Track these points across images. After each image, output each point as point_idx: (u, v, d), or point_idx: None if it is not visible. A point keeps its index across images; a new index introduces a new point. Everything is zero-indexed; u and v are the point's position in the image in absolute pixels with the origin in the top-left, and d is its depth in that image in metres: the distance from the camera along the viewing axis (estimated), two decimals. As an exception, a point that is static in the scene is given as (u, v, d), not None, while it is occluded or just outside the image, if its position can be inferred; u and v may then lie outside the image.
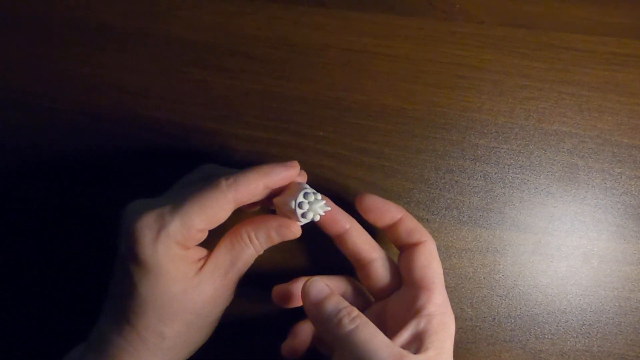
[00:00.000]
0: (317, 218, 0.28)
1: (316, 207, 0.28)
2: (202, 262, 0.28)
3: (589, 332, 0.34)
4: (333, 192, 0.34)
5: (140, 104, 0.36)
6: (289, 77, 0.36)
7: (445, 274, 0.34)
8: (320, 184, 0.34)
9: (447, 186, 0.35)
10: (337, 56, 0.36)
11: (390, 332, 0.27)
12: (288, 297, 0.30)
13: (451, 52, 0.36)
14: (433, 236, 0.34)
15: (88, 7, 0.37)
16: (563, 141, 0.35)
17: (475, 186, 0.35)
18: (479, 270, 0.34)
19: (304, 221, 0.28)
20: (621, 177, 0.35)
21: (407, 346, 0.26)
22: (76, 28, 0.37)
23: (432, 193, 0.35)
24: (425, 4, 0.36)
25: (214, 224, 0.27)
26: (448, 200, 0.35)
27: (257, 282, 0.33)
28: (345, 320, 0.25)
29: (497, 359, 0.34)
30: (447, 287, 0.34)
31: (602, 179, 0.35)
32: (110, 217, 0.35)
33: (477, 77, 0.36)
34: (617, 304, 0.34)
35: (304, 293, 0.27)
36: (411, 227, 0.30)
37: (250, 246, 0.29)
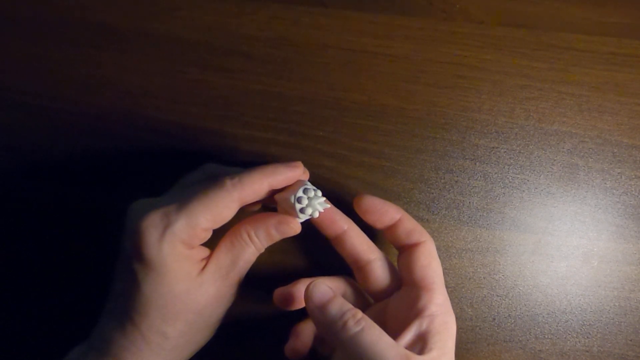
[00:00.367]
0: (316, 214, 0.28)
1: (315, 203, 0.28)
2: (204, 262, 0.28)
3: (589, 332, 0.34)
4: (333, 192, 0.34)
5: (140, 104, 0.36)
6: (289, 77, 0.36)
7: (445, 274, 0.34)
8: (320, 184, 0.34)
9: (447, 186, 0.35)
10: (337, 56, 0.36)
11: (392, 333, 0.27)
12: (290, 299, 0.30)
13: (451, 52, 0.36)
14: (433, 236, 0.34)
15: (88, 7, 0.37)
16: (563, 141, 0.35)
17: (475, 186, 0.35)
18: (479, 270, 0.34)
19: (302, 217, 0.28)
20: (621, 177, 0.35)
21: (410, 347, 0.26)
22: (76, 28, 0.37)
23: (432, 193, 0.35)
24: (425, 4, 0.36)
25: (218, 223, 0.27)
26: (448, 200, 0.35)
27: (257, 282, 0.33)
28: (351, 323, 0.25)
29: (497, 359, 0.34)
30: (447, 287, 0.34)
31: (602, 179, 0.35)
32: (110, 217, 0.35)
33: (477, 77, 0.36)
34: (617, 304, 0.34)
35: (307, 296, 0.27)
36: (410, 227, 0.30)
37: (251, 245, 0.29)
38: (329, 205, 0.29)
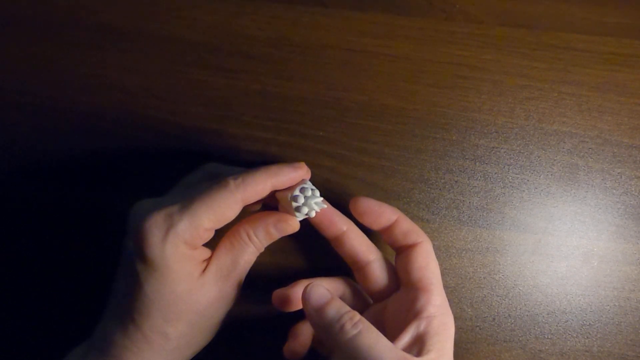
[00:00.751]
0: (313, 214, 0.28)
1: (312, 203, 0.28)
2: (206, 263, 0.28)
3: (589, 332, 0.34)
4: (333, 192, 0.34)
5: (140, 104, 0.36)
6: (289, 77, 0.36)
7: (445, 274, 0.34)
8: (320, 184, 0.34)
9: (447, 186, 0.35)
10: (337, 56, 0.36)
11: (390, 334, 0.27)
12: (288, 301, 0.30)
13: (451, 52, 0.36)
14: (433, 236, 0.34)
15: (88, 7, 0.37)
16: (563, 141, 0.35)
17: (475, 186, 0.35)
18: (479, 270, 0.34)
19: (299, 216, 0.28)
20: (621, 177, 0.35)
21: (408, 349, 0.26)
22: (76, 28, 0.37)
23: (432, 193, 0.35)
24: (425, 4, 0.36)
25: (221, 223, 0.27)
26: (448, 200, 0.35)
27: (257, 283, 0.33)
28: (348, 326, 0.25)
29: (497, 359, 0.34)
30: (447, 287, 0.34)
31: (602, 179, 0.35)
32: (110, 217, 0.35)
33: (477, 77, 0.36)
34: (617, 304, 0.34)
35: (305, 298, 0.27)
36: (407, 228, 0.30)
37: (251, 244, 0.29)
38: (325, 206, 0.29)
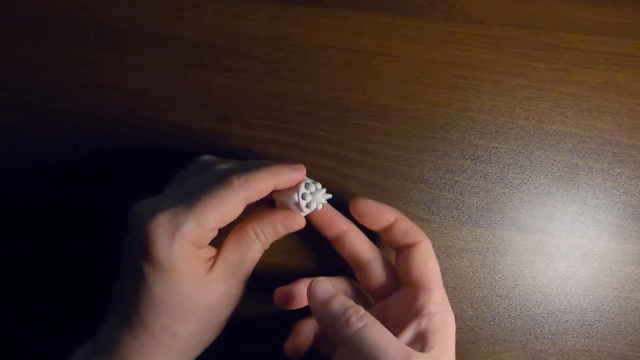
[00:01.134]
0: (320, 207, 0.29)
1: (318, 197, 0.29)
2: (212, 261, 0.28)
3: (589, 332, 0.34)
4: (333, 192, 0.34)
5: (140, 104, 0.36)
6: (289, 77, 0.36)
7: (445, 274, 0.34)
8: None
9: (447, 186, 0.35)
10: (337, 56, 0.36)
11: (392, 332, 0.27)
12: (290, 298, 0.30)
13: (451, 52, 0.36)
14: (433, 236, 0.34)
15: (88, 7, 0.37)
16: (563, 141, 0.35)
17: (475, 186, 0.35)
18: (479, 270, 0.34)
19: (307, 211, 0.29)
20: (621, 177, 0.35)
21: (411, 346, 0.26)
22: (76, 28, 0.37)
23: (432, 193, 0.35)
24: (425, 4, 0.36)
25: (226, 222, 0.27)
26: (448, 200, 0.35)
27: (258, 283, 0.33)
28: (353, 319, 0.25)
29: (497, 359, 0.34)
30: (447, 287, 0.34)
31: (602, 179, 0.35)
32: (110, 217, 0.35)
33: (477, 77, 0.36)
34: (617, 304, 0.34)
35: (310, 293, 0.27)
36: (406, 228, 0.30)
37: (257, 242, 0.29)
38: (330, 195, 0.30)
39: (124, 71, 0.36)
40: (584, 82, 0.36)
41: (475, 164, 0.35)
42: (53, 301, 0.35)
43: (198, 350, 0.29)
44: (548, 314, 0.34)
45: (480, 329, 0.34)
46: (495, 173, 0.35)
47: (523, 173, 0.35)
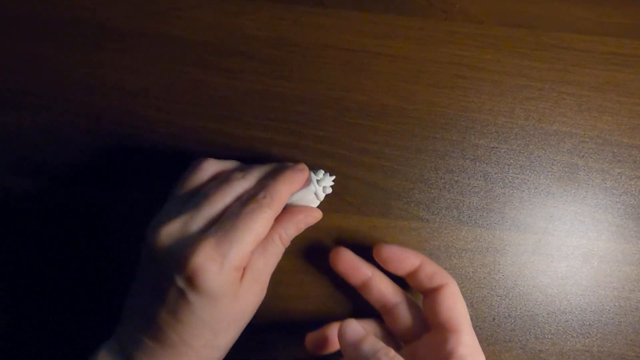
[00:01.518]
0: (330, 190, 0.32)
1: (327, 181, 0.32)
2: (241, 273, 0.28)
3: (589, 332, 0.34)
4: (333, 192, 0.34)
5: (140, 104, 0.36)
6: (289, 77, 0.36)
7: (445, 274, 0.34)
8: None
9: (447, 186, 0.35)
10: (337, 56, 0.36)
11: None
12: (322, 342, 0.31)
13: (451, 52, 0.36)
14: (433, 236, 0.34)
15: (88, 7, 0.37)
16: (563, 141, 0.35)
17: (475, 186, 0.35)
18: (479, 270, 0.34)
19: (322, 197, 0.32)
20: (621, 177, 0.35)
21: None
22: (76, 28, 0.37)
23: (432, 193, 0.35)
24: (425, 4, 0.36)
25: (260, 241, 0.28)
26: (448, 200, 0.35)
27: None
28: None
29: (497, 359, 0.34)
30: (447, 287, 0.34)
31: (602, 179, 0.35)
32: (110, 217, 0.35)
33: (477, 77, 0.36)
34: (617, 304, 0.34)
35: (341, 334, 0.28)
36: (432, 271, 0.31)
37: (281, 245, 0.30)
38: (334, 176, 0.32)
39: (124, 71, 0.36)
40: (584, 82, 0.36)
41: (475, 164, 0.35)
42: (53, 301, 0.35)
43: (228, 350, 0.30)
44: (548, 314, 0.34)
45: (480, 329, 0.34)
46: (495, 173, 0.35)
47: (523, 173, 0.35)
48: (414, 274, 0.31)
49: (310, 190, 0.31)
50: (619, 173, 0.35)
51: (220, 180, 0.29)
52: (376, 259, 0.32)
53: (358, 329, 0.28)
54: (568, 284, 0.34)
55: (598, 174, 0.35)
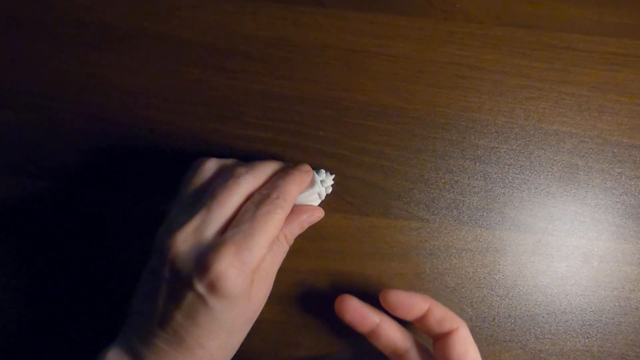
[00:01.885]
0: (330, 189, 0.33)
1: (329, 180, 0.33)
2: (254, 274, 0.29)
3: (589, 332, 0.34)
4: (333, 192, 0.34)
5: (140, 104, 0.36)
6: (289, 77, 0.36)
7: (445, 274, 0.34)
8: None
9: (447, 186, 0.35)
10: (337, 56, 0.36)
11: None
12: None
13: (451, 52, 0.36)
14: (433, 236, 0.34)
15: (88, 7, 0.37)
16: (563, 141, 0.35)
17: (475, 186, 0.35)
18: (479, 270, 0.34)
19: (324, 196, 0.33)
20: (621, 177, 0.35)
21: None
22: (76, 28, 0.37)
23: (432, 193, 0.35)
24: (425, 4, 0.36)
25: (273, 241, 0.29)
26: (448, 200, 0.35)
27: None
28: None
29: (497, 359, 0.34)
30: (447, 287, 0.34)
31: (602, 179, 0.35)
32: (110, 217, 0.35)
33: (477, 77, 0.36)
34: (617, 304, 0.34)
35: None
36: (441, 315, 0.30)
37: (286, 244, 0.31)
38: (333, 175, 0.33)
39: (124, 71, 0.36)
40: (584, 82, 0.36)
41: (475, 164, 0.35)
42: (53, 301, 0.35)
43: (236, 350, 0.30)
44: (548, 314, 0.34)
45: (480, 329, 0.34)
46: (495, 173, 0.35)
47: (523, 173, 0.35)
48: (423, 318, 0.30)
49: (314, 191, 0.32)
50: (619, 173, 0.35)
51: (224, 177, 0.29)
52: (383, 306, 0.31)
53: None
54: (568, 284, 0.34)
55: (598, 174, 0.35)
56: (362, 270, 0.34)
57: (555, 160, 0.35)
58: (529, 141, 0.35)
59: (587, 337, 0.34)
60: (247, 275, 0.27)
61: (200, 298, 0.27)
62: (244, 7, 0.37)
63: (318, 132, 0.35)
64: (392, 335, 0.31)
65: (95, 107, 0.36)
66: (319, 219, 0.32)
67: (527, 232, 0.34)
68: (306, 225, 0.32)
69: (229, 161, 0.31)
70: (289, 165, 0.32)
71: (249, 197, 0.29)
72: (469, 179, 0.35)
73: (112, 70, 0.36)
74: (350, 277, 0.34)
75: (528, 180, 0.35)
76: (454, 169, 0.35)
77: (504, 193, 0.35)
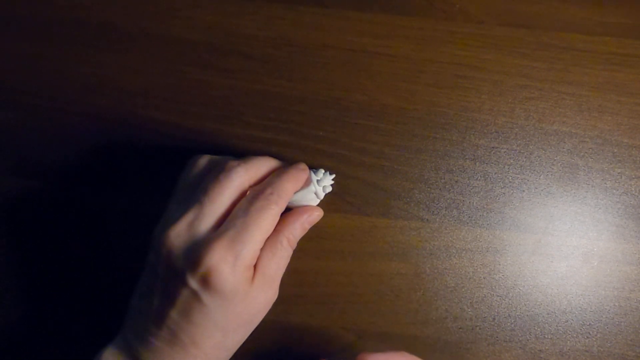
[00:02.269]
0: (330, 189, 0.33)
1: (327, 179, 0.32)
2: (252, 272, 0.29)
3: (589, 332, 0.34)
4: (333, 192, 0.34)
5: (140, 104, 0.36)
6: (289, 77, 0.36)
7: (445, 274, 0.34)
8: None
9: (447, 186, 0.35)
10: (337, 56, 0.36)
11: None
12: None
13: (451, 52, 0.36)
14: (433, 236, 0.34)
15: (88, 7, 0.37)
16: (563, 141, 0.35)
17: (475, 186, 0.35)
18: (479, 270, 0.34)
19: (322, 196, 0.32)
20: (621, 177, 0.35)
21: None
22: (76, 28, 0.37)
23: (432, 193, 0.35)
24: (425, 4, 0.36)
25: (267, 237, 0.29)
26: (448, 200, 0.35)
27: None
28: None
29: (497, 359, 0.34)
30: (447, 287, 0.34)
31: (602, 179, 0.35)
32: (110, 217, 0.35)
33: (477, 77, 0.36)
34: (617, 304, 0.34)
35: None
36: None
37: (289, 247, 0.30)
38: (334, 175, 0.33)
39: (124, 71, 0.36)
40: (584, 82, 0.36)
41: (475, 164, 0.35)
42: (52, 301, 0.35)
43: (235, 350, 0.30)
44: (548, 314, 0.34)
45: (480, 329, 0.34)
46: (495, 173, 0.35)
47: (523, 173, 0.35)
48: None
49: (310, 190, 0.32)
50: (619, 173, 0.35)
51: (216, 171, 0.29)
52: None
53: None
54: (568, 284, 0.34)
55: (598, 174, 0.35)
56: (362, 270, 0.34)
57: (555, 160, 0.35)
58: (529, 141, 0.35)
59: (587, 337, 0.34)
60: (240, 271, 0.27)
61: (194, 294, 0.27)
62: (244, 7, 0.37)
63: (318, 132, 0.35)
64: None
65: (95, 107, 0.36)
66: (318, 219, 0.32)
67: (527, 232, 0.34)
68: (307, 226, 0.32)
69: (221, 158, 0.31)
70: (285, 163, 0.32)
71: (244, 193, 0.29)
72: (469, 179, 0.35)
73: (112, 70, 0.36)
74: (350, 277, 0.34)
75: (528, 180, 0.35)
76: (454, 169, 0.35)
77: (504, 193, 0.35)
